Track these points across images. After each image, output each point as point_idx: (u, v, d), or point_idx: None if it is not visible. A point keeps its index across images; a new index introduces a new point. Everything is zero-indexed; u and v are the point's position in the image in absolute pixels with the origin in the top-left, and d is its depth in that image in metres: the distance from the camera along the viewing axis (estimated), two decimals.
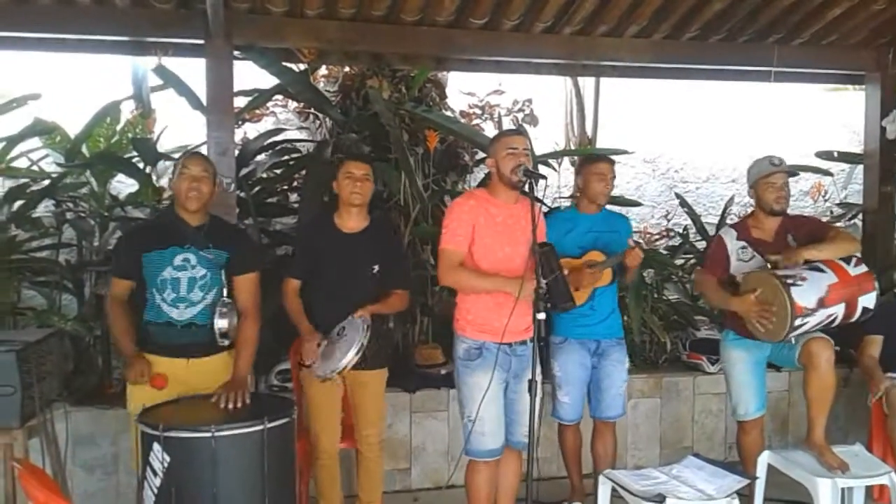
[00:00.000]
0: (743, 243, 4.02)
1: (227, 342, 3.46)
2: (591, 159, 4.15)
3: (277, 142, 5.50)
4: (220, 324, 3.41)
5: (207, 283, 3.44)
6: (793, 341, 3.77)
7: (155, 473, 2.90)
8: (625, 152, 5.83)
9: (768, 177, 3.93)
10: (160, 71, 4.75)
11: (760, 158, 4.02)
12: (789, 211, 4.06)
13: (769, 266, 3.79)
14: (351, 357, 3.46)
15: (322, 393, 3.72)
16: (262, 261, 3.81)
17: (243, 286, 3.53)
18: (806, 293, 3.60)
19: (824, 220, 5.03)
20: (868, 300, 3.73)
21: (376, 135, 5.20)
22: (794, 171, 4.01)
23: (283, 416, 3.06)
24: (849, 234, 4.09)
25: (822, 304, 3.63)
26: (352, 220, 3.78)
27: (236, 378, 3.38)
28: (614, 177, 4.07)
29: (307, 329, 3.67)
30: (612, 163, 4.11)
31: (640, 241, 3.86)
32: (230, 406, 3.18)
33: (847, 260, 3.75)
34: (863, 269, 3.75)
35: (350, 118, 5.39)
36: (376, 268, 3.75)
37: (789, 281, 3.61)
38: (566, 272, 3.60)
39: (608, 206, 4.19)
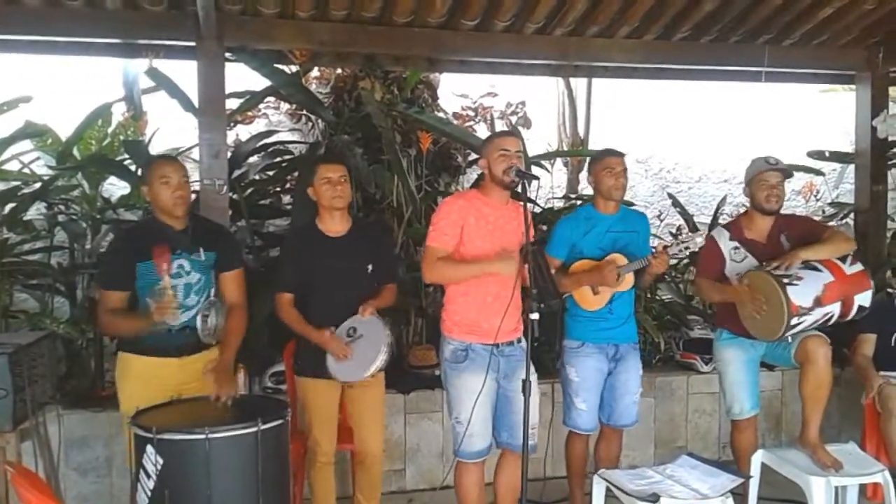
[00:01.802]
0: (735, 244, 4.02)
1: (214, 342, 3.45)
2: (598, 155, 4.01)
3: (270, 143, 5.49)
4: (206, 324, 3.39)
5: (202, 286, 3.45)
6: (789, 340, 3.78)
7: (148, 476, 2.88)
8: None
9: (762, 174, 3.94)
10: (152, 73, 4.74)
11: (758, 158, 4.03)
12: (782, 210, 4.07)
13: (763, 265, 3.80)
14: (383, 359, 3.49)
15: (320, 397, 3.71)
16: (242, 256, 3.79)
17: (231, 282, 3.55)
18: (802, 292, 3.62)
19: (816, 219, 5.03)
20: (864, 298, 3.75)
21: (369, 136, 5.20)
22: (788, 171, 4.00)
23: (276, 417, 3.05)
24: (844, 233, 4.11)
25: (818, 302, 3.64)
26: (336, 224, 3.75)
27: (222, 363, 3.37)
28: (626, 169, 3.91)
29: (319, 335, 3.60)
30: (622, 155, 3.95)
31: (668, 245, 3.79)
32: (222, 401, 3.19)
33: (843, 258, 3.76)
34: (858, 267, 3.77)
35: (342, 120, 5.39)
36: (370, 267, 3.74)
37: (785, 280, 3.62)
38: (553, 270, 3.62)
39: (626, 206, 4.11)
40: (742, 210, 4.19)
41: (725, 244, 4.04)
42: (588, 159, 4.23)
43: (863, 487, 3.92)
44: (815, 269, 3.70)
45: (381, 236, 4.08)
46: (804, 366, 3.75)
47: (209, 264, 3.47)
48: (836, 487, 3.61)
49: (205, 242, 3.46)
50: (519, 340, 3.52)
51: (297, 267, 3.72)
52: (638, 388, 4.01)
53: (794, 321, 3.61)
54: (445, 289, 3.58)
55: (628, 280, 3.88)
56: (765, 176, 3.94)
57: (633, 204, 6.14)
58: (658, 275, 3.98)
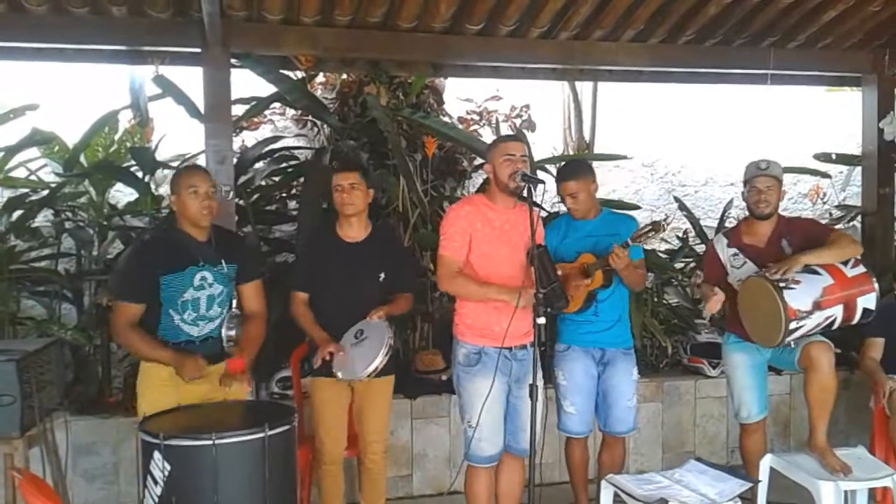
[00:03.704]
0: (734, 250, 4.01)
1: (233, 346, 3.48)
2: (560, 177, 3.94)
3: (275, 149, 5.50)
4: (229, 334, 3.45)
5: (224, 297, 3.47)
6: (792, 345, 3.76)
7: (156, 482, 2.88)
8: (623, 157, 5.84)
9: (752, 179, 3.94)
10: (159, 80, 4.75)
11: (752, 162, 4.02)
12: (787, 213, 4.05)
13: (762, 270, 3.78)
14: (382, 359, 3.49)
15: (329, 400, 3.73)
16: (264, 266, 3.82)
17: (251, 293, 3.57)
18: (800, 296, 3.59)
19: (823, 222, 5.02)
20: (867, 301, 3.70)
21: (374, 141, 5.21)
22: (779, 175, 3.96)
23: (284, 423, 3.04)
24: (849, 236, 4.06)
25: (817, 306, 3.61)
26: (352, 230, 3.79)
27: None
28: (583, 191, 3.84)
29: (322, 338, 3.64)
30: (582, 176, 3.86)
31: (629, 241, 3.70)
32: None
33: (845, 261, 3.72)
34: (860, 269, 3.72)
35: (348, 125, 5.40)
36: (382, 275, 3.76)
37: (782, 284, 3.59)
38: (559, 273, 3.60)
39: (612, 209, 4.12)
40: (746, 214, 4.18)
41: (724, 251, 4.04)
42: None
43: (872, 492, 3.89)
44: (815, 272, 3.67)
45: (397, 245, 4.11)
46: (808, 372, 3.74)
47: (231, 276, 3.49)
48: (845, 492, 3.59)
49: (226, 254, 3.47)
50: (532, 344, 3.52)
51: (310, 268, 3.77)
52: (632, 394, 3.97)
53: (792, 325, 3.57)
54: None
55: (598, 277, 3.81)
56: (754, 181, 3.93)
57: (639, 207, 6.17)
58: (620, 269, 3.78)
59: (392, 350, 3.54)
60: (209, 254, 3.42)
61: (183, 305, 3.36)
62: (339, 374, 3.57)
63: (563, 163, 4.72)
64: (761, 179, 3.93)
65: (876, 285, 3.74)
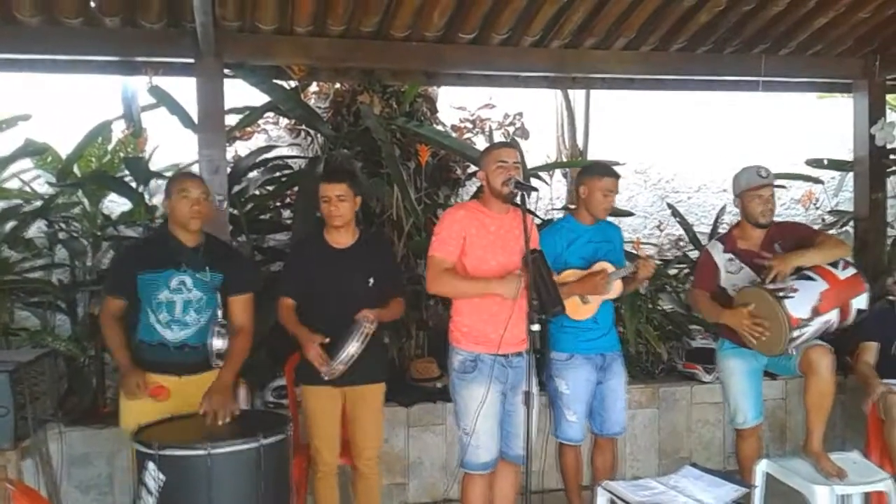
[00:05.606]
0: (730, 255, 4.03)
1: (221, 363, 3.47)
2: (597, 172, 3.94)
3: (269, 159, 5.51)
4: (217, 344, 3.45)
5: (203, 305, 3.47)
6: (792, 353, 3.77)
7: (150, 492, 2.88)
8: (616, 163, 5.82)
9: (756, 189, 3.94)
10: (153, 91, 4.76)
11: (748, 168, 4.03)
12: (779, 219, 4.08)
13: (760, 278, 3.79)
14: (354, 344, 3.46)
15: (320, 408, 3.72)
16: (257, 281, 3.83)
17: (238, 307, 3.58)
18: (799, 304, 3.61)
19: (815, 227, 5.04)
20: (860, 301, 3.75)
21: (368, 150, 5.22)
22: (781, 185, 4.01)
23: (278, 432, 3.05)
24: (837, 238, 4.10)
25: (816, 312, 3.63)
26: (340, 236, 3.79)
27: (218, 384, 3.37)
28: (618, 191, 3.97)
29: (305, 334, 3.60)
30: (618, 176, 3.95)
31: (652, 254, 3.82)
32: (218, 421, 3.20)
33: (835, 264, 3.76)
34: (851, 271, 3.76)
35: (341, 134, 5.41)
36: (372, 280, 3.76)
37: (781, 294, 3.61)
38: (555, 277, 3.62)
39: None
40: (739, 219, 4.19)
41: (720, 257, 4.05)
42: (579, 170, 4.21)
43: (867, 496, 3.90)
44: (809, 278, 3.69)
45: (385, 250, 4.10)
46: (808, 376, 3.74)
47: (214, 285, 3.50)
48: (841, 496, 3.60)
49: (214, 263, 3.50)
50: (527, 351, 3.52)
51: (299, 274, 3.77)
52: (626, 395, 4.06)
53: (794, 334, 3.60)
54: (452, 300, 3.59)
55: (617, 287, 3.92)
56: (761, 191, 3.94)
57: (632, 214, 6.19)
58: (645, 279, 4.03)
59: (368, 338, 3.49)
60: (194, 259, 3.46)
61: (158, 306, 3.41)
62: (323, 374, 3.56)
63: (579, 163, 4.71)
64: (767, 189, 3.94)
65: (867, 285, 3.79)
